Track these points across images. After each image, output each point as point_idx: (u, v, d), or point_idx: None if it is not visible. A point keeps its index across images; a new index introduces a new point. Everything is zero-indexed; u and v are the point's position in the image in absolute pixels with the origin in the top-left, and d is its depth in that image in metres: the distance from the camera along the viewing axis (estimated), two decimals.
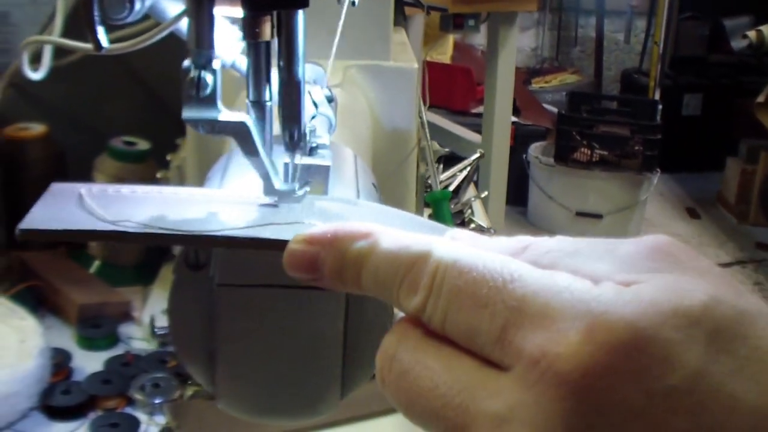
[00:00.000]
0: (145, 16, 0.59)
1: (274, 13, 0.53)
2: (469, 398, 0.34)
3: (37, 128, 1.30)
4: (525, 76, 5.25)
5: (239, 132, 0.53)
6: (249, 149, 0.53)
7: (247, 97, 0.55)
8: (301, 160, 0.57)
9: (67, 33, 0.78)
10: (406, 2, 1.22)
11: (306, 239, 0.40)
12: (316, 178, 0.57)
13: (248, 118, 0.53)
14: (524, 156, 4.33)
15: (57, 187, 0.54)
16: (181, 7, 0.59)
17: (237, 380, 0.58)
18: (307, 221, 0.52)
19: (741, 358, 0.31)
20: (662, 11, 4.29)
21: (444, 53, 4.85)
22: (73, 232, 0.50)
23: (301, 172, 0.56)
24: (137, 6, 0.56)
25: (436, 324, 0.36)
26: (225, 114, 0.52)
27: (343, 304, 0.57)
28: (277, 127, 0.57)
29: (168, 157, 1.09)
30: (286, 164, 0.56)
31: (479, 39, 5.23)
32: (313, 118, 0.63)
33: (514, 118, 3.49)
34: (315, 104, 0.64)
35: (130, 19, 0.56)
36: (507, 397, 0.33)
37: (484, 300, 0.34)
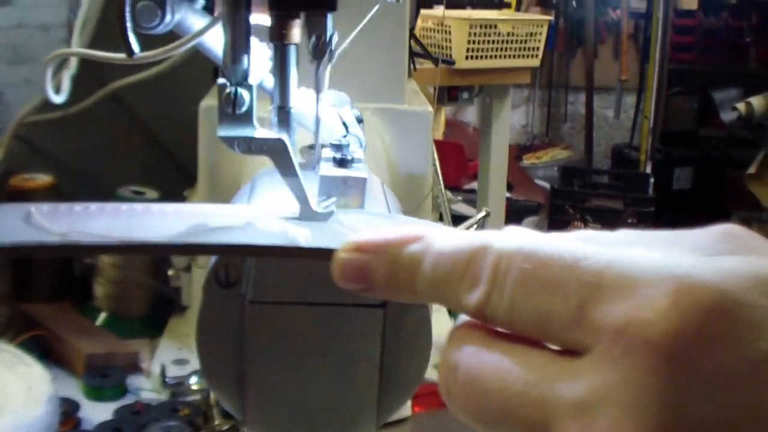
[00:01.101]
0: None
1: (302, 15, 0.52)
2: (546, 390, 0.31)
3: (43, 178, 1.29)
4: (516, 152, 5.29)
5: (276, 150, 0.51)
6: (286, 168, 0.51)
7: (272, 102, 0.54)
8: (336, 171, 0.55)
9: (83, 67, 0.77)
10: (417, 53, 1.23)
11: (355, 247, 0.38)
12: (353, 190, 0.55)
13: (285, 136, 0.51)
14: None
15: (4, 207, 0.52)
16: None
17: (267, 403, 0.56)
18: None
19: None
20: (651, 86, 4.34)
21: (437, 129, 4.88)
22: (22, 248, 0.47)
23: (336, 185, 0.55)
24: (168, 17, 0.55)
25: (502, 317, 0.33)
26: (261, 131, 0.51)
27: (380, 324, 0.54)
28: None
29: None
30: (323, 177, 0.55)
31: (470, 116, 5.28)
32: (343, 138, 0.62)
33: (507, 194, 3.51)
34: (345, 125, 0.62)
35: (160, 29, 0.55)
36: (589, 380, 0.30)
37: (555, 281, 0.32)
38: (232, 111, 0.49)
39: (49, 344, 1.19)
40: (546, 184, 4.74)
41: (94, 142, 1.32)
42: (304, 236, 0.49)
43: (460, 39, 3.00)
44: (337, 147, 0.58)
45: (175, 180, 1.06)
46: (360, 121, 0.64)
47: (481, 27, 3.09)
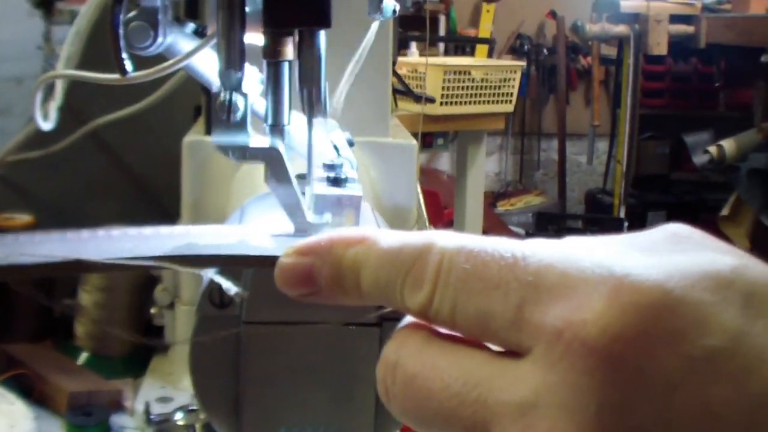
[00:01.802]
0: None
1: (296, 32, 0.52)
2: (486, 391, 0.31)
3: (23, 218, 1.27)
4: (491, 199, 5.31)
5: (271, 158, 0.51)
6: (280, 177, 0.51)
7: (265, 121, 0.53)
8: (329, 190, 0.55)
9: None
10: (399, 90, 1.23)
11: (297, 250, 0.37)
12: (348, 209, 0.55)
13: (280, 144, 0.51)
14: None
15: None
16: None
17: (264, 426, 0.55)
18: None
19: None
20: (623, 131, 4.38)
21: None
22: None
23: (331, 203, 0.54)
24: (159, 38, 0.55)
25: (444, 317, 0.33)
26: (256, 139, 0.51)
27: (376, 343, 0.54)
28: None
29: None
30: (317, 196, 0.54)
31: (445, 164, 5.30)
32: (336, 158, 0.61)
33: None
34: (336, 148, 0.62)
35: (152, 50, 0.55)
36: (529, 381, 0.30)
37: (495, 280, 0.31)
38: (226, 118, 0.49)
39: (31, 383, 1.17)
40: (521, 230, 4.75)
41: (74, 182, 1.31)
42: None
43: (435, 85, 3.02)
44: (330, 167, 0.58)
45: (157, 219, 1.04)
46: (351, 144, 0.64)
47: (455, 73, 3.12)
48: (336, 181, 0.56)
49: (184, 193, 0.98)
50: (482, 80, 3.30)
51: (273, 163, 0.50)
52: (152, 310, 1.00)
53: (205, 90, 0.96)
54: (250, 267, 0.49)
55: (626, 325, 0.28)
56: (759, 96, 4.08)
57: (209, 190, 0.95)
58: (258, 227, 0.54)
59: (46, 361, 1.21)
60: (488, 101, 3.31)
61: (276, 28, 0.51)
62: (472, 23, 5.28)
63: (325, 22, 0.51)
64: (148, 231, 0.54)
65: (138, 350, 1.18)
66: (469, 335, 0.33)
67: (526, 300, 0.30)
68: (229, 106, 0.49)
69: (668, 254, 0.31)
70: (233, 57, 0.50)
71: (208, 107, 0.97)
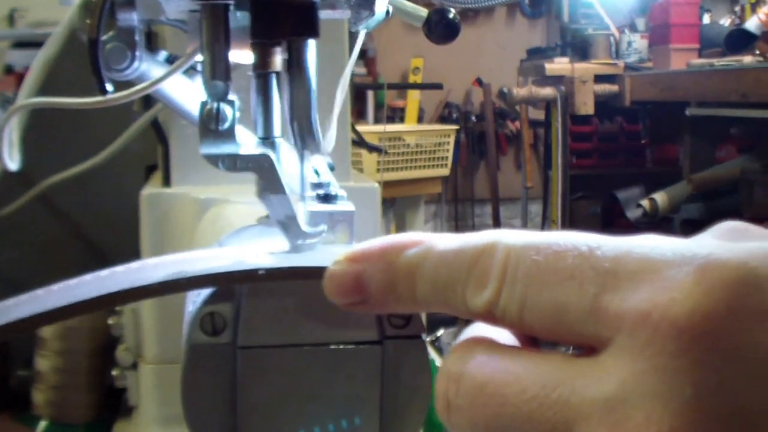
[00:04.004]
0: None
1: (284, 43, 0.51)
2: (568, 391, 0.28)
3: None
4: None
5: (262, 166, 0.49)
6: (272, 186, 0.49)
7: (255, 133, 0.52)
8: (320, 207, 0.53)
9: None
10: (355, 142, 1.23)
11: (348, 257, 0.35)
12: (341, 225, 0.53)
13: (271, 152, 0.50)
14: (435, 342, 4.31)
15: None
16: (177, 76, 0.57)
17: None
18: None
19: None
20: (556, 192, 4.44)
21: None
22: None
23: (324, 220, 0.53)
24: (136, 63, 0.54)
25: (513, 316, 0.31)
26: (246, 147, 0.49)
27: (378, 362, 0.52)
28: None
29: (117, 308, 1.03)
30: (309, 213, 0.53)
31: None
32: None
33: None
34: (317, 173, 0.61)
35: (128, 72, 0.54)
36: (614, 373, 0.27)
37: (569, 271, 0.29)
38: (215, 127, 0.47)
39: None
40: None
41: (23, 248, 1.27)
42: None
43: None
44: (318, 185, 0.56)
45: None
46: (332, 169, 0.63)
47: (390, 140, 3.14)
48: (326, 198, 0.55)
49: (144, 248, 0.95)
50: (417, 145, 3.33)
51: (264, 172, 0.49)
52: (114, 372, 0.96)
53: (163, 141, 0.94)
54: (295, 279, 0.47)
55: (718, 301, 0.26)
56: (685, 149, 4.18)
57: (170, 243, 0.93)
58: (252, 247, 0.52)
59: None
60: (424, 166, 3.34)
61: (264, 39, 0.50)
62: (399, 95, 5.34)
63: (313, 33, 0.50)
64: (135, 265, 0.52)
65: (100, 416, 1.13)
66: (541, 333, 0.31)
67: (605, 288, 0.29)
68: (217, 115, 0.48)
69: (737, 241, 0.30)
70: (219, 67, 0.49)
71: (165, 159, 0.95)
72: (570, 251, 0.30)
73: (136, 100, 0.92)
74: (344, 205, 0.54)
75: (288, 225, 0.50)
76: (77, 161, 1.10)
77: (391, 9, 0.57)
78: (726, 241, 0.30)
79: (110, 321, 0.99)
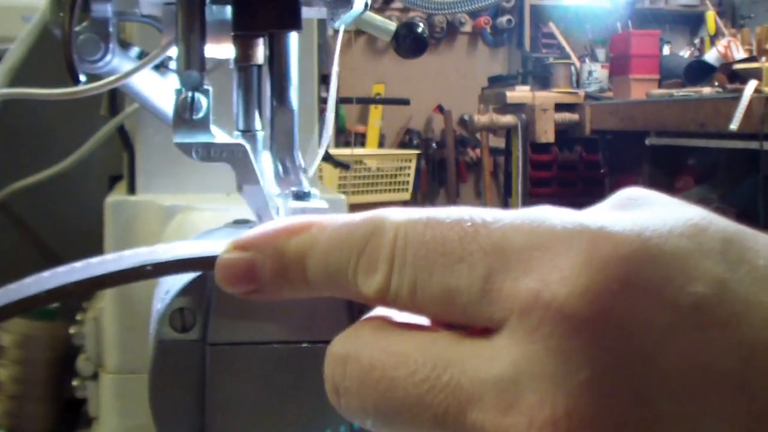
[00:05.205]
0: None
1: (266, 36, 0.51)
2: (460, 372, 0.27)
3: None
4: None
5: (237, 156, 0.49)
6: (247, 176, 0.49)
7: (236, 127, 0.51)
8: (294, 204, 0.53)
9: None
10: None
11: (237, 245, 0.33)
12: None
13: (245, 143, 0.49)
14: None
15: None
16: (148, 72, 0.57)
17: None
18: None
19: (761, 268, 0.27)
20: None
21: None
22: None
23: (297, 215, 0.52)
24: (109, 55, 0.53)
25: (405, 300, 0.29)
26: (221, 137, 0.49)
27: None
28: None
29: (78, 317, 1.01)
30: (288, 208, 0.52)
31: None
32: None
33: None
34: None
35: (101, 65, 0.53)
36: (507, 354, 0.26)
37: (458, 252, 0.28)
38: (189, 116, 0.47)
39: None
40: None
41: None
42: None
43: (332, 175, 3.04)
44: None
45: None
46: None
47: (353, 163, 3.14)
48: (299, 195, 0.54)
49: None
50: (378, 169, 3.33)
51: (238, 162, 0.48)
52: (74, 382, 0.95)
53: (129, 148, 0.93)
54: (186, 271, 0.46)
55: (609, 278, 0.26)
56: (644, 179, 4.22)
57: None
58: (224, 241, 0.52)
59: None
60: (385, 190, 3.34)
61: (246, 31, 0.49)
62: (360, 119, 5.35)
63: (295, 25, 0.50)
64: (110, 257, 0.51)
65: (59, 426, 1.11)
66: (435, 316, 0.30)
67: (494, 268, 0.28)
68: (192, 104, 0.47)
69: (633, 210, 0.29)
70: (194, 57, 0.48)
71: (131, 166, 0.94)
72: (457, 231, 0.29)
73: (103, 104, 0.91)
74: (317, 203, 0.54)
75: (262, 217, 0.50)
76: (40, 169, 1.09)
77: (370, 1, 0.57)
78: (622, 211, 0.29)
79: (71, 330, 0.97)
